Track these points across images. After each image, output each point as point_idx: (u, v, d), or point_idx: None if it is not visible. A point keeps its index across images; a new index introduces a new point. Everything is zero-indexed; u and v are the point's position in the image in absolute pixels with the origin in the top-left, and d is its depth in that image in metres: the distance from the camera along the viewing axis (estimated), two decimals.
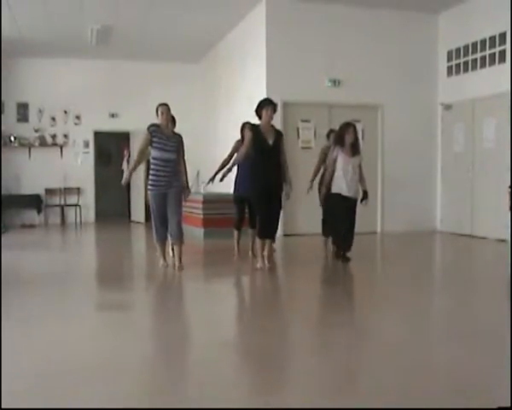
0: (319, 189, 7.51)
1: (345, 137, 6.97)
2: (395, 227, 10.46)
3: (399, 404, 2.79)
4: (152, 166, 6.63)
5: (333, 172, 7.02)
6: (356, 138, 7.06)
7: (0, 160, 12.73)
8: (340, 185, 6.95)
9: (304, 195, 7.73)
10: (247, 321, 4.76)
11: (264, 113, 6.60)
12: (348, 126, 7.03)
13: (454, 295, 5.50)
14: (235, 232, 7.61)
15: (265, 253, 6.66)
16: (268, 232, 6.60)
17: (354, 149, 7.03)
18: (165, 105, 6.79)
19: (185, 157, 6.81)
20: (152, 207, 6.63)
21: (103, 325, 4.58)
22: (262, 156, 6.52)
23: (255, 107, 6.71)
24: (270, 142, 6.58)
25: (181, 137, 6.77)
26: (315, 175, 7.69)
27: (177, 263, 6.66)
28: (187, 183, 6.78)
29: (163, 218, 6.60)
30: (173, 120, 7.47)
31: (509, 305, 4.86)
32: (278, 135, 6.72)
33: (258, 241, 6.66)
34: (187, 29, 11.29)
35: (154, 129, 6.61)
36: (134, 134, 13.72)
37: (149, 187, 6.64)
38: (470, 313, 4.82)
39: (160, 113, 6.70)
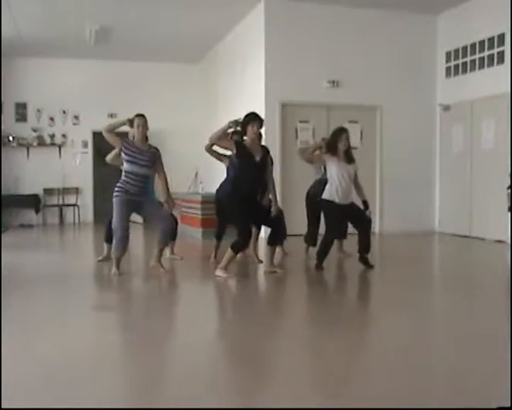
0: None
1: (338, 144, 6.69)
2: (393, 228, 10.46)
3: (399, 404, 2.79)
4: (123, 178, 6.29)
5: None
6: (348, 145, 6.76)
7: (0, 160, 12.72)
8: (335, 193, 6.61)
9: (299, 195, 7.71)
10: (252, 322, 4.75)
11: (249, 129, 6.14)
12: (341, 133, 6.75)
13: (454, 296, 5.49)
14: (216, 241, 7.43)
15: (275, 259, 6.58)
16: (273, 239, 6.45)
17: (348, 157, 6.75)
18: (143, 117, 6.40)
19: (164, 171, 6.52)
20: (117, 213, 6.16)
21: (99, 324, 4.56)
22: (247, 172, 6.18)
23: (241, 121, 6.21)
24: (258, 158, 6.20)
25: (157, 151, 6.42)
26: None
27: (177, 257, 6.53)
28: (169, 197, 6.41)
29: (127, 228, 6.22)
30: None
31: (508, 305, 4.85)
32: (265, 152, 6.33)
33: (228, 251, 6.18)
34: (186, 29, 11.29)
35: (125, 145, 6.29)
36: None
37: (116, 193, 6.19)
38: (470, 314, 4.81)
39: (135, 125, 6.33)
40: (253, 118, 6.19)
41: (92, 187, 13.88)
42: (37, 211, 13.28)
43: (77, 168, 13.68)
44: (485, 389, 3.05)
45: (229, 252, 6.13)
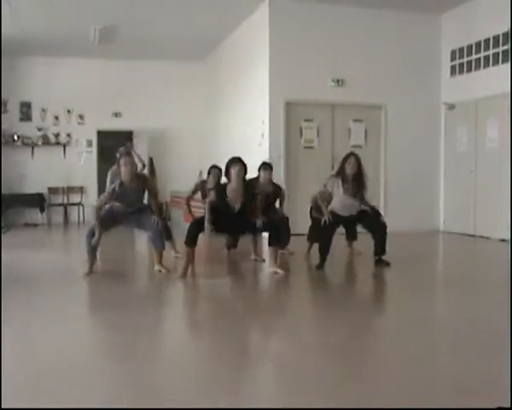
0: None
1: (345, 167, 6.69)
2: (398, 227, 10.39)
3: (398, 404, 2.79)
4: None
5: (325, 201, 6.80)
6: (359, 171, 6.72)
7: (0, 158, 12.73)
8: (336, 209, 6.74)
9: (304, 193, 7.70)
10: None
11: (232, 173, 6.12)
12: (349, 156, 6.76)
13: (457, 295, 5.49)
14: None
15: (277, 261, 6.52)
16: (272, 241, 6.40)
17: (358, 184, 6.72)
18: (129, 155, 6.34)
19: (156, 194, 6.65)
20: (106, 212, 6.27)
21: (101, 324, 4.57)
22: (225, 219, 6.17)
23: (224, 168, 6.28)
24: (236, 207, 6.18)
25: (143, 178, 6.39)
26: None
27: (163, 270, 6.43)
28: (157, 213, 6.49)
29: (104, 231, 6.31)
30: (152, 171, 7.29)
31: (509, 304, 4.83)
32: (248, 193, 6.24)
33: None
34: (190, 28, 11.29)
35: (117, 192, 6.19)
36: (137, 133, 13.74)
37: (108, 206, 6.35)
38: (472, 313, 4.80)
39: (122, 165, 6.15)
40: (234, 161, 6.20)
41: (97, 186, 13.87)
42: (41, 210, 13.31)
43: (81, 167, 13.70)
44: (485, 389, 3.04)
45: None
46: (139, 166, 7.31)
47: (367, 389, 3.05)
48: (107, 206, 6.41)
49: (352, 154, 6.86)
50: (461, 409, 2.76)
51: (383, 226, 6.82)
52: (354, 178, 6.72)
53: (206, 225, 6.11)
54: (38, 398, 2.91)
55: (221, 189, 6.36)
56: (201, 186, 7.76)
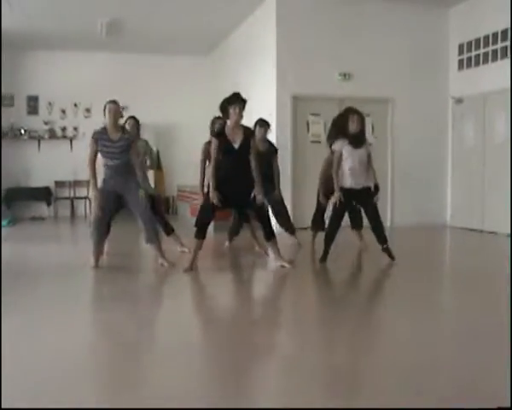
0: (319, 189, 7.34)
1: (348, 125, 6.36)
2: (405, 221, 10.42)
3: (398, 404, 2.77)
4: (104, 171, 6.38)
5: (337, 172, 6.47)
6: (363, 129, 6.44)
7: (0, 152, 12.75)
8: (347, 177, 6.45)
9: (311, 188, 7.67)
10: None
11: (231, 111, 5.98)
12: (351, 113, 6.40)
13: (460, 292, 5.50)
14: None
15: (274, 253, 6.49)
16: (265, 233, 6.33)
17: (358, 140, 6.43)
18: (114, 103, 6.25)
19: (139, 159, 6.57)
20: (100, 205, 6.26)
21: (103, 320, 4.56)
22: (226, 160, 6.09)
23: (220, 103, 6.08)
24: (236, 145, 6.06)
25: (129, 140, 6.33)
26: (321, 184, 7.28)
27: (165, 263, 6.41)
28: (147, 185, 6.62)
29: (106, 219, 6.36)
30: (137, 123, 7.26)
31: (509, 303, 4.80)
32: (247, 136, 6.10)
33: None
34: (197, 22, 11.26)
35: (98, 136, 6.19)
36: (144, 127, 13.71)
37: (100, 186, 6.33)
38: (474, 311, 4.76)
39: (107, 111, 6.17)
40: (235, 99, 6.00)
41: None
42: (48, 204, 13.35)
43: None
44: (485, 389, 3.02)
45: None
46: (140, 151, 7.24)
47: (366, 389, 3.03)
48: (99, 188, 6.34)
49: (353, 110, 6.49)
50: (461, 409, 2.75)
51: (375, 208, 6.59)
52: (357, 138, 6.43)
53: (212, 192, 6.06)
54: (38, 398, 2.89)
55: (220, 129, 6.23)
56: (207, 148, 7.09)
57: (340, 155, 6.48)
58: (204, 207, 6.24)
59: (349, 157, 6.44)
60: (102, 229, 6.40)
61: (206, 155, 7.02)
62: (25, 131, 13.31)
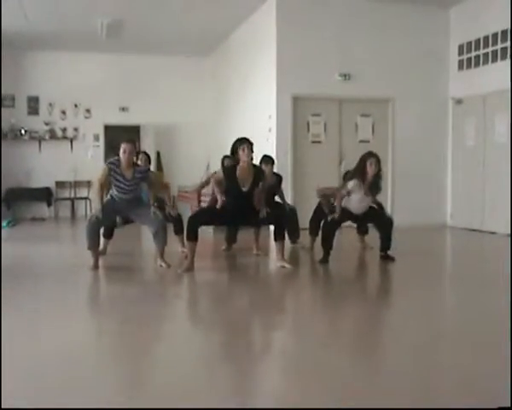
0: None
1: (366, 167, 6.63)
2: (405, 222, 10.38)
3: (398, 404, 2.78)
4: (112, 192, 6.46)
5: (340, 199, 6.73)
6: (379, 171, 6.73)
7: (0, 152, 12.76)
8: (347, 206, 6.76)
9: (312, 190, 7.68)
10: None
11: (240, 152, 6.12)
12: (370, 157, 6.69)
13: (460, 292, 5.51)
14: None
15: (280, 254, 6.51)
16: (278, 235, 6.43)
17: (372, 191, 6.76)
18: (131, 143, 6.25)
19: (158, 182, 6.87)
20: (107, 201, 6.36)
21: (103, 320, 4.59)
22: (233, 201, 6.20)
23: (231, 145, 6.28)
24: (245, 189, 6.19)
25: (146, 171, 6.47)
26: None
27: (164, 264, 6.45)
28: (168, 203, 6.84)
29: (101, 225, 6.47)
30: (148, 158, 7.34)
31: (509, 303, 4.79)
32: (256, 179, 6.25)
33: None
34: (197, 22, 11.26)
35: (112, 167, 6.21)
36: (144, 128, 13.76)
37: (107, 198, 6.41)
38: (474, 311, 4.76)
39: (122, 151, 6.16)
40: (242, 141, 6.18)
41: None
42: (49, 204, 13.36)
43: (88, 162, 13.69)
44: (485, 389, 3.02)
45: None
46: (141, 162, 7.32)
47: (366, 389, 3.03)
48: (108, 195, 6.45)
49: (372, 154, 6.77)
50: (461, 409, 2.75)
51: (389, 222, 6.88)
52: (372, 178, 6.72)
53: (219, 197, 6.19)
54: (38, 398, 2.89)
55: (231, 169, 6.33)
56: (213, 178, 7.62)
57: (349, 192, 6.71)
58: (204, 210, 6.30)
59: (355, 198, 6.71)
60: (95, 234, 6.43)
61: (209, 182, 7.29)
62: (25, 131, 13.32)
